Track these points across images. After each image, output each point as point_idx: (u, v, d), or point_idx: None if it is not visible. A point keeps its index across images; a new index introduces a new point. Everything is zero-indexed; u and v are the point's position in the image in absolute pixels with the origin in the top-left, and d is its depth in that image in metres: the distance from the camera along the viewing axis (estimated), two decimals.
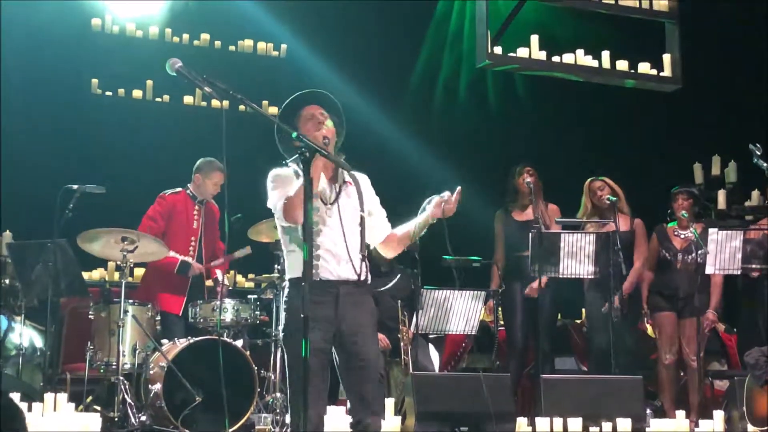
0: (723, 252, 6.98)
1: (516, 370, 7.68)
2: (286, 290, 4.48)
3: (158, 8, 10.20)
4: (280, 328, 4.60)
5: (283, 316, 4.47)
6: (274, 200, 4.39)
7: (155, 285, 7.48)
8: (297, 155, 4.05)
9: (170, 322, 7.33)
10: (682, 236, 7.70)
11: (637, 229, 7.72)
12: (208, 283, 7.68)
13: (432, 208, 4.44)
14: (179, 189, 7.57)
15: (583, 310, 8.44)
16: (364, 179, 4.63)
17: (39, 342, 7.80)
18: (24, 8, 9.42)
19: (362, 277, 4.44)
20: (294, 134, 4.01)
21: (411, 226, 4.54)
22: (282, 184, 4.39)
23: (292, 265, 4.44)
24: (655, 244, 7.83)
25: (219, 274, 7.45)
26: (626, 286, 7.50)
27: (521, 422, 6.30)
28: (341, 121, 4.59)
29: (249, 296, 7.65)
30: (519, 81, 11.13)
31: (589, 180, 7.80)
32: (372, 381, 4.39)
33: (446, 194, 4.43)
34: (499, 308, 7.91)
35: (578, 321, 9.10)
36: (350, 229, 4.44)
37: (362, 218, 4.50)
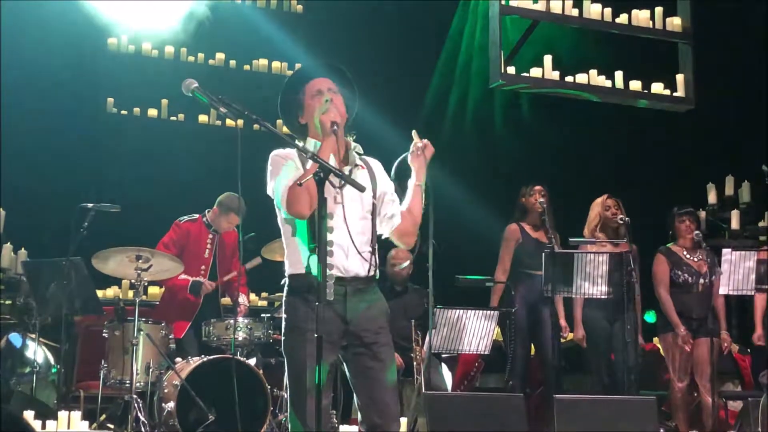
0: (737, 273, 6.96)
1: (520, 388, 7.63)
2: (285, 289, 4.08)
3: (173, 26, 10.24)
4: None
5: (283, 318, 4.08)
6: (274, 187, 4.05)
7: (168, 310, 7.54)
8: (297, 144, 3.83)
9: (183, 342, 7.37)
10: (696, 259, 7.68)
11: (635, 254, 7.68)
12: (225, 301, 7.72)
13: (414, 158, 4.15)
14: (196, 216, 7.62)
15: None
16: (377, 164, 4.27)
17: (53, 360, 7.83)
18: (40, 28, 9.50)
19: (371, 272, 4.07)
20: (308, 154, 3.88)
21: (410, 193, 4.19)
22: (283, 169, 4.05)
23: (295, 259, 4.05)
24: (666, 267, 7.76)
25: (241, 297, 7.51)
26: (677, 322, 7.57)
27: None
28: (354, 94, 4.25)
29: (262, 315, 7.67)
30: (529, 101, 11.15)
31: (606, 195, 7.77)
32: (388, 385, 4.04)
33: (414, 139, 4.17)
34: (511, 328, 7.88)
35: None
36: (361, 217, 4.07)
37: (374, 206, 4.13)
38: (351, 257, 4.01)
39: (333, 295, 3.89)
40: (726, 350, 7.81)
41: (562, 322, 7.70)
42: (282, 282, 4.14)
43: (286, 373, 4.05)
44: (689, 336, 7.54)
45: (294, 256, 4.07)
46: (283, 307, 4.09)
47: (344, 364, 4.09)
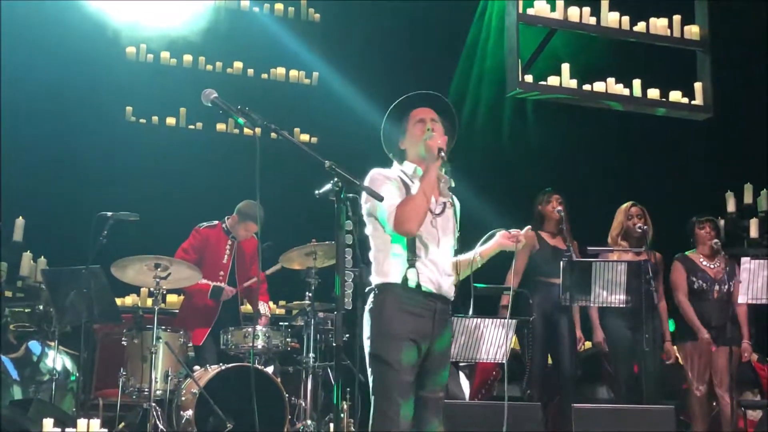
0: (756, 281, 6.93)
1: (538, 397, 7.62)
2: (372, 296, 4.21)
3: (192, 34, 10.27)
4: (358, 340, 4.27)
5: (368, 323, 4.18)
6: (379, 203, 4.14)
7: (187, 317, 7.57)
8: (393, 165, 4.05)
9: (202, 349, 7.39)
10: (712, 266, 7.67)
11: (659, 262, 7.66)
12: (245, 309, 7.74)
13: (500, 238, 4.34)
14: (215, 222, 7.67)
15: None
16: (458, 204, 4.48)
17: (72, 367, 7.86)
18: (59, 37, 9.55)
19: (453, 295, 4.28)
20: (326, 163, 3.88)
21: (472, 255, 4.38)
22: (388, 187, 4.20)
23: (390, 269, 4.18)
24: (684, 274, 7.75)
25: (262, 306, 7.54)
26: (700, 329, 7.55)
27: None
28: (454, 126, 4.48)
29: (280, 323, 7.69)
30: (544, 109, 11.13)
31: (630, 203, 7.75)
32: (438, 409, 4.22)
33: (515, 231, 4.35)
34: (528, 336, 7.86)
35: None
36: (448, 245, 4.28)
37: (455, 239, 4.35)
38: (444, 277, 4.22)
39: (425, 309, 4.12)
40: (746, 359, 7.79)
41: (578, 332, 7.70)
42: (367, 290, 4.25)
43: (370, 378, 4.15)
44: (711, 340, 7.53)
45: (387, 267, 4.21)
46: (371, 314, 4.18)
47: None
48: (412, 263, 4.13)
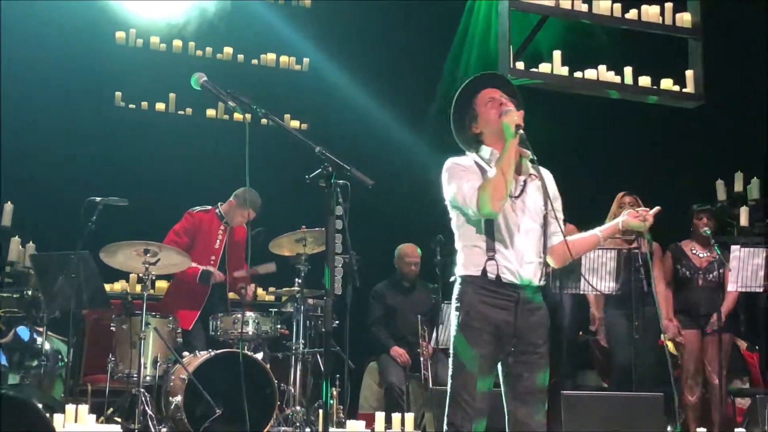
0: (745, 269, 6.95)
1: None
2: (458, 287, 4.15)
3: (182, 20, 10.23)
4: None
5: (453, 315, 4.13)
6: (459, 190, 4.10)
7: (174, 300, 7.54)
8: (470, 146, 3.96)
9: (191, 335, 7.37)
10: (701, 255, 7.69)
11: (656, 252, 7.67)
12: (231, 295, 7.72)
13: (627, 216, 4.30)
14: (209, 207, 7.64)
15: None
16: (548, 175, 4.34)
17: (61, 353, 7.84)
18: (48, 22, 9.50)
19: (542, 281, 4.16)
20: (316, 149, 3.88)
21: (597, 233, 4.35)
22: (465, 174, 4.14)
23: (471, 261, 4.12)
24: (670, 263, 7.79)
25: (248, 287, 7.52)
26: (667, 314, 7.60)
27: None
28: (518, 104, 4.29)
29: (270, 309, 7.67)
30: (534, 95, 11.10)
31: (623, 192, 7.77)
32: (536, 390, 4.15)
33: (643, 210, 4.33)
34: None
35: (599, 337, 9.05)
36: (533, 227, 4.15)
37: (545, 218, 4.21)
38: (525, 265, 4.09)
39: (507, 301, 4.04)
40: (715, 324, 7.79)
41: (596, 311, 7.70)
42: (452, 279, 4.22)
43: (450, 369, 4.13)
44: (677, 332, 7.59)
45: (469, 259, 4.14)
46: (455, 305, 4.14)
47: (501, 365, 4.15)
48: (491, 255, 4.05)
